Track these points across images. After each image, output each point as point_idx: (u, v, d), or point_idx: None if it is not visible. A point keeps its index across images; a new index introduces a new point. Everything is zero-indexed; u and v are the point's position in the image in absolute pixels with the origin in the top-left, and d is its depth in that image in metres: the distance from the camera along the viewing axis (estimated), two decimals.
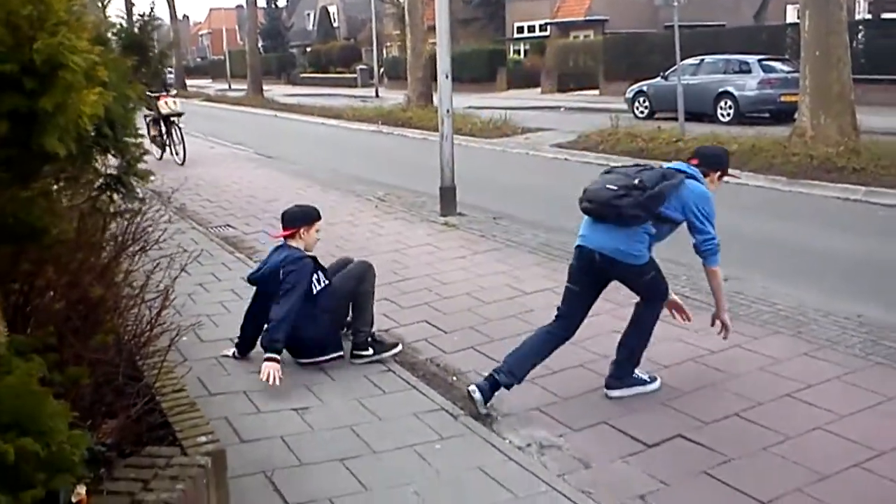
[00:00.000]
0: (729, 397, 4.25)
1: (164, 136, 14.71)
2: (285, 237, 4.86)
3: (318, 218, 4.99)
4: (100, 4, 4.96)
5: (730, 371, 4.58)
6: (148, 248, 3.10)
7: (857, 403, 4.09)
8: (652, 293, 4.36)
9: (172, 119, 14.42)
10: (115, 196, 3.38)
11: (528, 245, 7.68)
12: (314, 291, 4.70)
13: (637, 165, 4.45)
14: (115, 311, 2.88)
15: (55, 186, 2.92)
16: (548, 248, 7.55)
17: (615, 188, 4.14)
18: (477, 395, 4.15)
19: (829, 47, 11.53)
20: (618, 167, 4.47)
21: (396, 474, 3.51)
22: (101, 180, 3.34)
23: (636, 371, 4.36)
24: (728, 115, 19.51)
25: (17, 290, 2.62)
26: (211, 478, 2.47)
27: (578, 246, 4.31)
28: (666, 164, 4.51)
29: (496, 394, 4.18)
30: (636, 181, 4.13)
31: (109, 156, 3.35)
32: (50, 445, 2.01)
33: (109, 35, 3.84)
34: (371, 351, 4.81)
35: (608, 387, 4.33)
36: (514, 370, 4.21)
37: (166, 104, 14.25)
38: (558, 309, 4.40)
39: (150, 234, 3.11)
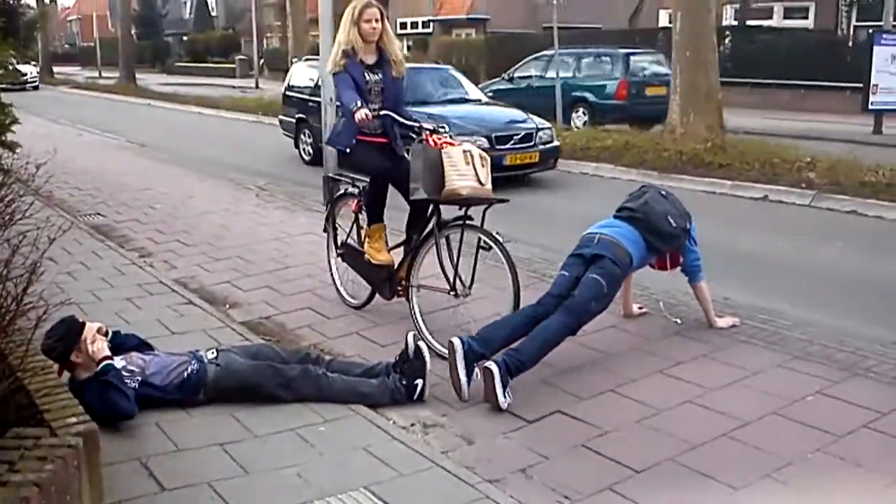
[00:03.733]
0: (605, 374, 4.39)
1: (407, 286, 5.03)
2: (69, 371, 3.75)
3: (80, 328, 3.78)
4: None
5: (605, 350, 4.73)
6: (12, 222, 2.91)
7: (723, 378, 4.30)
8: (589, 296, 4.32)
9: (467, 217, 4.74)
10: None
11: None
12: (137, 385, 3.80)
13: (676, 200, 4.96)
14: None
15: None
16: None
17: (675, 225, 4.73)
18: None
19: (698, 49, 12.05)
20: (668, 195, 4.95)
21: (279, 457, 3.45)
22: None
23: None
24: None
25: None
26: (82, 459, 2.35)
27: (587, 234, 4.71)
28: None
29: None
30: (686, 226, 4.83)
31: None
32: None
33: None
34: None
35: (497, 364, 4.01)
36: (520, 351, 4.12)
37: (457, 171, 4.57)
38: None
39: (14, 207, 2.93)
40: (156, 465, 3.35)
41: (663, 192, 4.95)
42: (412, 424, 3.86)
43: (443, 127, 5.08)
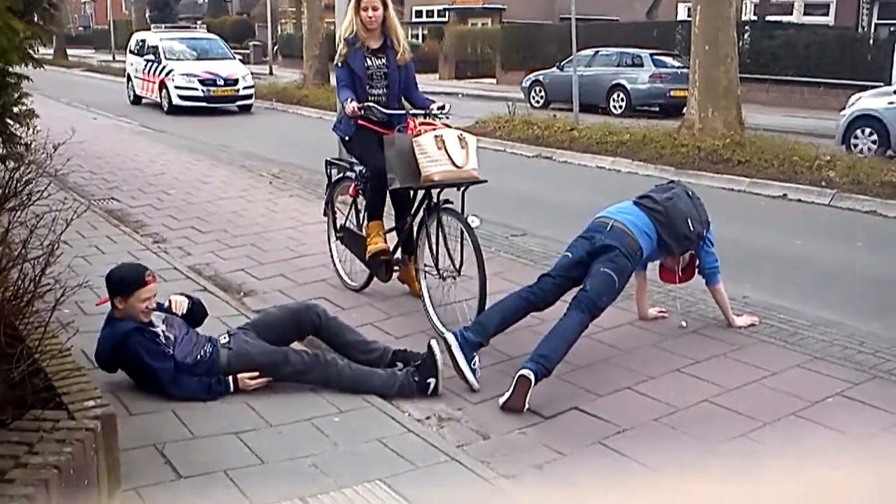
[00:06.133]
0: (621, 372, 4.35)
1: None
2: (112, 303, 3.92)
3: (140, 285, 3.85)
4: None
5: (622, 347, 4.69)
6: (30, 202, 2.89)
7: (742, 378, 4.25)
8: (601, 290, 4.21)
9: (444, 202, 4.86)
10: None
11: None
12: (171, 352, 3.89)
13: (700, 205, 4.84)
14: None
15: None
16: None
17: (692, 229, 4.63)
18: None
19: (717, 43, 11.94)
20: (694, 197, 4.81)
21: (294, 447, 3.43)
22: None
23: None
24: (620, 107, 20.05)
25: None
26: (100, 442, 2.34)
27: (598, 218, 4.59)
28: None
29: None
30: (703, 232, 4.74)
31: None
32: None
33: None
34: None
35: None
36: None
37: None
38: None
39: (32, 188, 2.90)
40: (172, 452, 3.33)
41: (690, 193, 4.82)
42: (427, 417, 3.84)
43: (442, 107, 5.22)
